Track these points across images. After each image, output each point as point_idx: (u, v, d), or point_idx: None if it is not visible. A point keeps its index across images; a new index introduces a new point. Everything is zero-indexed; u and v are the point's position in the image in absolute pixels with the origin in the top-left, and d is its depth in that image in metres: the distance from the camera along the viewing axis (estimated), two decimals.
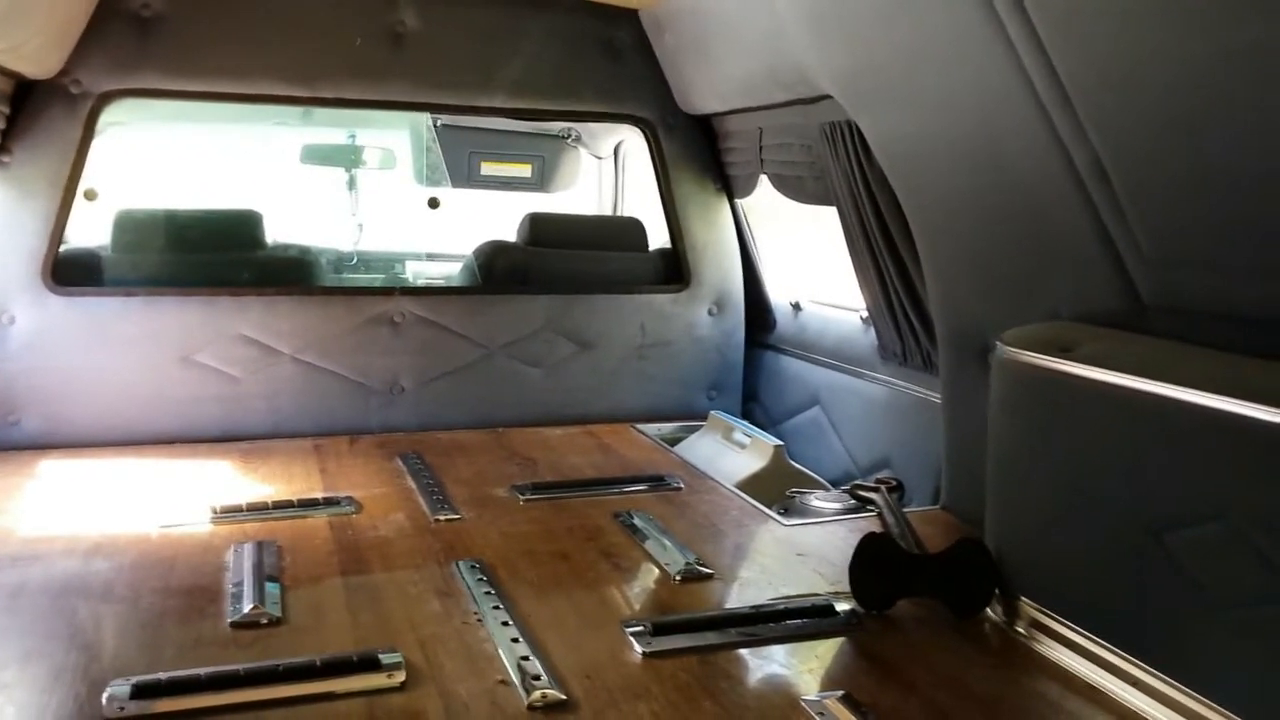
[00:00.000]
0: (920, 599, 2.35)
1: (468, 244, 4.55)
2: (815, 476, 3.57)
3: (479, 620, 2.21)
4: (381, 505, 2.97)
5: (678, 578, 2.50)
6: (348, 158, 5.74)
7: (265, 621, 2.17)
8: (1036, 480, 2.30)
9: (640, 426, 4.04)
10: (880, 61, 2.71)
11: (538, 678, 1.94)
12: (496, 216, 5.17)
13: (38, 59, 3.29)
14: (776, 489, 3.30)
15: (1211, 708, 1.83)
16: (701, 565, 2.55)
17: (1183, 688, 1.88)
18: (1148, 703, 1.93)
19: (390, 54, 3.86)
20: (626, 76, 4.17)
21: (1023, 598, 2.28)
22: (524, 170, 5.80)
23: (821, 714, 1.87)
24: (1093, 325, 2.31)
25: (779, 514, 3.01)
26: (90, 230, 4.06)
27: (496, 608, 2.26)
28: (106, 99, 3.54)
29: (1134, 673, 1.98)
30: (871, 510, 2.99)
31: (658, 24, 4.01)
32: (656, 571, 2.56)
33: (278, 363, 3.73)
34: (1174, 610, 1.93)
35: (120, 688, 1.84)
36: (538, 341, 4.07)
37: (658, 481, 3.28)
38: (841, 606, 2.32)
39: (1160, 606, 1.96)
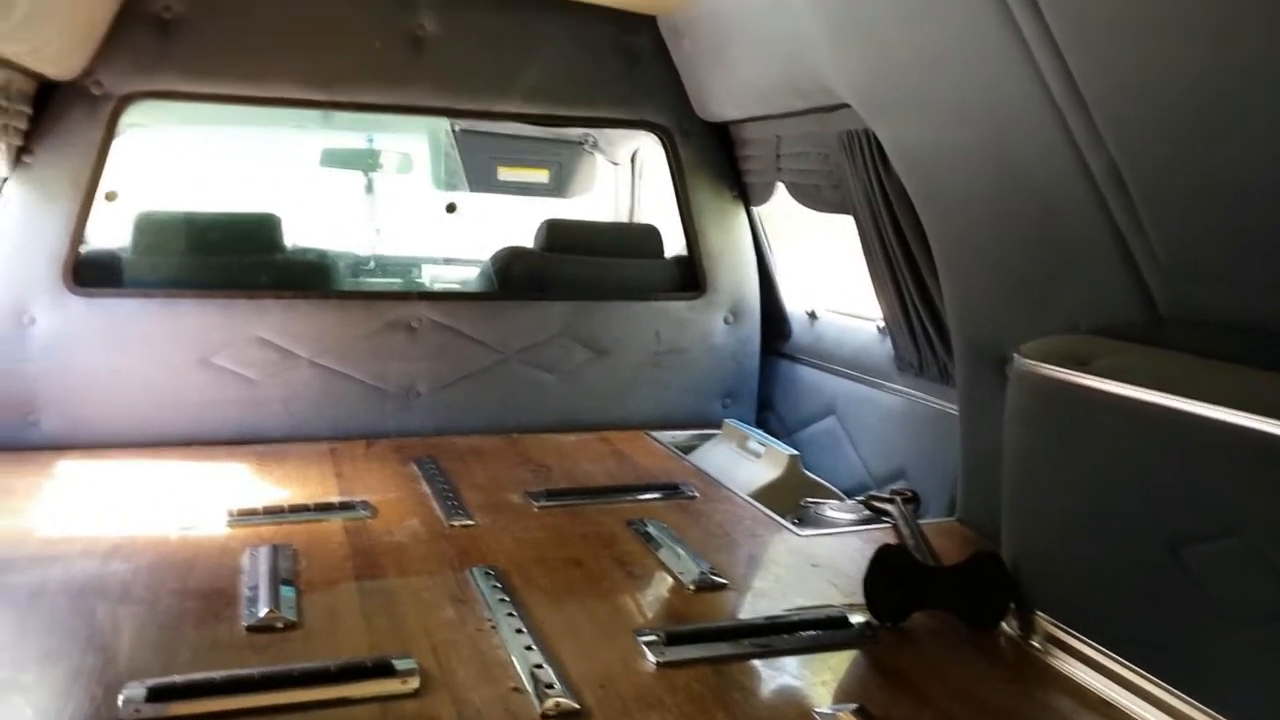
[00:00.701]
0: (935, 612, 2.34)
1: (485, 249, 4.56)
2: (830, 487, 3.55)
3: (493, 627, 2.21)
4: (396, 510, 2.97)
5: (692, 587, 2.50)
6: (366, 162, 5.76)
7: (280, 625, 2.18)
8: (1053, 493, 2.29)
9: (654, 434, 4.03)
10: (898, 70, 2.71)
11: (551, 686, 1.94)
12: (512, 222, 5.18)
13: (60, 60, 3.32)
14: (791, 499, 3.29)
15: None
16: (715, 574, 2.55)
17: (1197, 704, 1.87)
18: (1162, 719, 1.92)
19: (409, 58, 3.88)
20: (644, 83, 4.17)
21: (1038, 612, 2.27)
22: (541, 175, 5.81)
23: None
24: (1110, 337, 2.30)
25: (793, 524, 3.00)
26: (110, 232, 4.09)
27: (510, 614, 2.26)
28: (127, 101, 3.57)
29: (1149, 688, 1.97)
30: (887, 521, 2.98)
31: (676, 30, 4.01)
32: (670, 580, 2.56)
33: (295, 366, 3.75)
34: (1190, 626, 1.92)
35: (135, 690, 1.85)
36: (553, 347, 4.07)
37: (672, 489, 3.28)
38: (856, 618, 2.31)
39: (1176, 622, 1.95)
